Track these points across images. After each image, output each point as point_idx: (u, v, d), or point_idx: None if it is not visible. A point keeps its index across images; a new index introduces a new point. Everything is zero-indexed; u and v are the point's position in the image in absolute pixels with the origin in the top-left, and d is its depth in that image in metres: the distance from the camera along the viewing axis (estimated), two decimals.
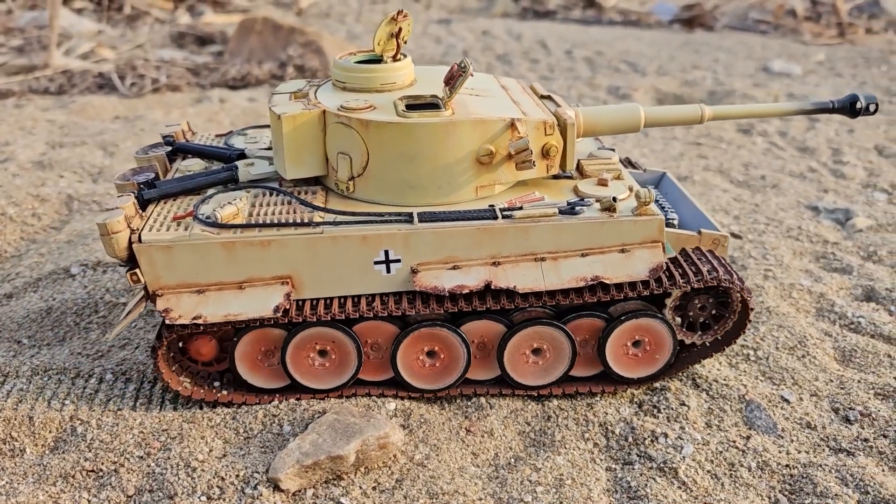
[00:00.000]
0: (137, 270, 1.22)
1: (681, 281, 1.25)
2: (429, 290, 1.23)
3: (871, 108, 1.37)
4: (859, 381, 1.40)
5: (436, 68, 1.47)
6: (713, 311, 1.33)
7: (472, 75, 1.25)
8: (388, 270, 1.24)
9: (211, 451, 1.21)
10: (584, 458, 1.23)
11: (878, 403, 1.34)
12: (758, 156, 2.66)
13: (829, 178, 2.45)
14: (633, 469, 1.20)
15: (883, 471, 1.20)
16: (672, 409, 1.32)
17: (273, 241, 1.21)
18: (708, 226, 1.36)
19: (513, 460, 1.22)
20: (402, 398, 1.32)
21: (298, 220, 1.23)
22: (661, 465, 1.20)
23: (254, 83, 3.35)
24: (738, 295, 1.30)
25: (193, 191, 1.33)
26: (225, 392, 1.33)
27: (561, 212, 1.24)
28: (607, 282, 1.23)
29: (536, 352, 1.33)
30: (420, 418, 1.29)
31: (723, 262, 1.29)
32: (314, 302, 1.26)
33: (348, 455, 1.15)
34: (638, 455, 1.23)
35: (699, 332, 1.34)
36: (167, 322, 1.21)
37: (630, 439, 1.26)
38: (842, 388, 1.39)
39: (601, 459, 1.23)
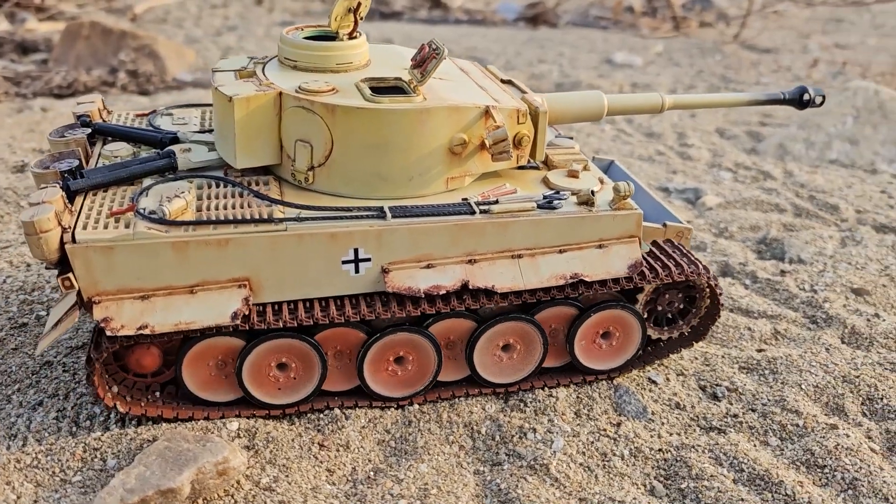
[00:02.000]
0: (70, 275, 1.06)
1: (663, 274, 1.21)
2: (402, 292, 1.14)
3: (818, 100, 1.39)
4: (723, 357, 1.43)
5: (386, 47, 1.37)
6: (680, 307, 1.31)
7: (445, 58, 1.16)
8: (357, 270, 1.14)
9: (19, 498, 1.07)
10: (450, 462, 1.17)
11: (744, 377, 1.36)
12: (607, 142, 2.71)
13: (677, 161, 2.54)
14: (503, 470, 1.16)
15: (755, 446, 1.21)
16: (539, 401, 1.28)
17: (231, 239, 1.08)
18: (667, 216, 1.34)
19: (372, 473, 1.15)
20: (247, 417, 1.21)
21: (258, 216, 1.10)
22: (532, 462, 1.16)
23: (82, 90, 3.08)
24: (708, 290, 1.28)
25: (127, 180, 1.18)
26: (169, 407, 1.19)
27: (539, 206, 1.18)
28: (587, 279, 1.18)
29: (506, 348, 1.27)
30: (266, 437, 1.18)
31: (693, 256, 1.27)
32: (275, 307, 1.15)
33: (181, 487, 1.02)
34: (507, 454, 1.19)
35: (666, 327, 1.32)
36: (108, 333, 1.06)
37: (497, 438, 1.21)
38: (707, 365, 1.40)
39: (468, 462, 1.18)
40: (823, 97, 1.39)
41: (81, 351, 1.36)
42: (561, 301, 1.24)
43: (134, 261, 1.06)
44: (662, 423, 1.25)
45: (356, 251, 1.13)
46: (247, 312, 1.10)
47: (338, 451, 1.17)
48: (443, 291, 1.15)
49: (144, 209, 1.10)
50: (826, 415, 1.28)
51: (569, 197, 1.20)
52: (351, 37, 1.25)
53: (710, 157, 2.57)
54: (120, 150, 1.25)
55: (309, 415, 1.23)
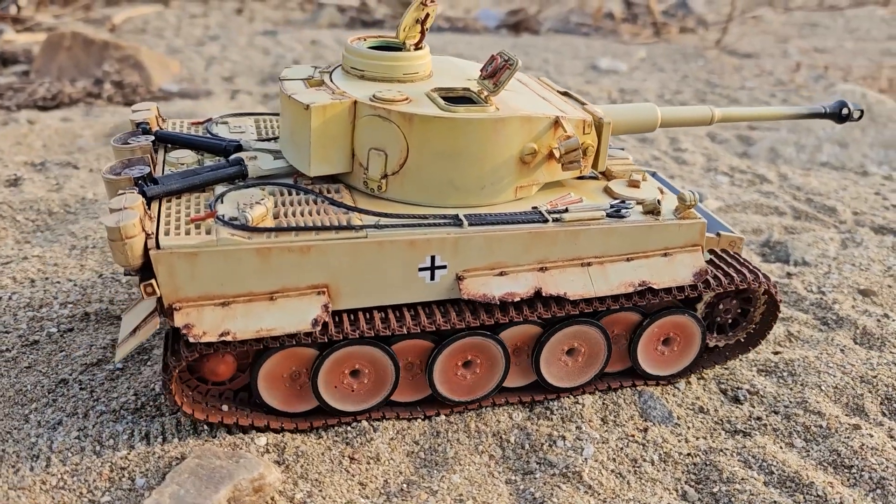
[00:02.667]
0: (153, 281, 1.06)
1: (725, 282, 1.25)
2: (477, 299, 1.16)
3: (856, 114, 1.43)
4: (741, 360, 1.45)
5: (441, 58, 1.39)
6: (737, 312, 1.35)
7: (518, 69, 1.18)
8: (433, 278, 1.16)
9: None
10: (482, 472, 1.17)
11: (763, 380, 1.39)
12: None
13: (673, 165, 2.60)
14: (535, 478, 1.15)
15: (781, 448, 1.23)
16: (565, 409, 1.29)
17: (313, 246, 1.09)
18: (718, 226, 1.38)
19: (405, 486, 1.14)
20: (275, 430, 1.20)
21: (339, 223, 1.11)
22: (564, 470, 1.16)
23: (67, 102, 3.03)
24: (765, 297, 1.32)
25: (199, 187, 1.18)
26: (244, 414, 1.19)
27: (608, 215, 1.20)
28: (654, 287, 1.21)
29: (571, 352, 1.29)
30: (296, 451, 1.17)
31: (751, 265, 1.31)
32: (351, 317, 1.16)
33: None
34: (538, 462, 1.18)
35: (724, 334, 1.36)
36: (191, 340, 1.06)
37: (527, 447, 1.21)
38: (725, 369, 1.43)
39: (500, 472, 1.17)
40: (861, 112, 1.44)
41: (97, 368, 1.34)
42: (625, 309, 1.27)
43: (217, 267, 1.07)
44: (688, 428, 1.27)
45: (433, 258, 1.14)
46: (326, 319, 1.11)
47: (368, 463, 1.17)
48: (516, 298, 1.16)
49: (223, 216, 1.10)
50: (847, 415, 1.30)
51: (634, 206, 1.23)
52: (417, 47, 1.26)
53: (705, 162, 2.62)
54: (186, 158, 1.25)
55: (336, 428, 1.22)
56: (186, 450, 1.14)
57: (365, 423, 1.23)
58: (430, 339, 1.22)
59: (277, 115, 1.47)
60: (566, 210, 1.20)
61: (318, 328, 1.10)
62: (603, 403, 1.30)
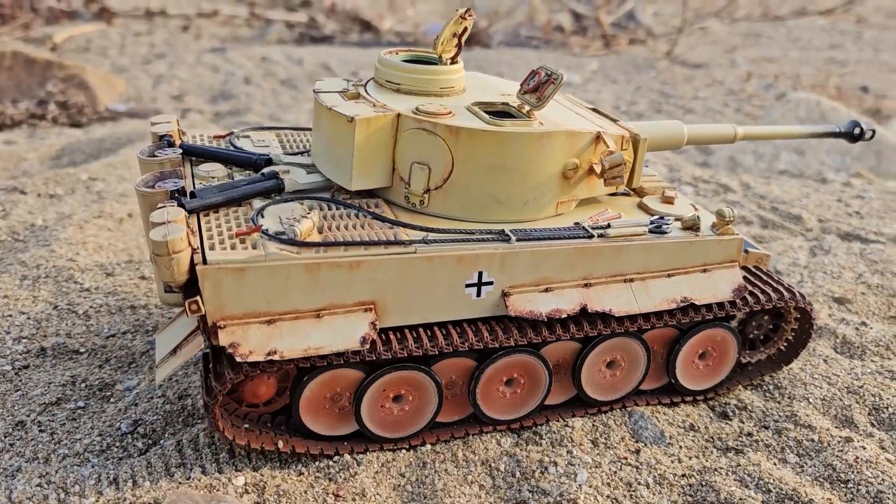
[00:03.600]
0: (199, 298, 1.01)
1: (763, 300, 1.26)
2: (524, 316, 1.14)
3: (868, 134, 1.47)
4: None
5: (471, 74, 1.37)
6: (767, 330, 1.36)
7: (562, 84, 1.17)
8: (479, 294, 1.14)
9: None
10: None
11: (750, 395, 1.38)
12: None
13: None
14: None
15: (775, 464, 1.21)
16: (554, 433, 1.25)
17: (363, 262, 1.06)
18: (746, 243, 1.39)
19: None
20: (252, 469, 1.15)
21: (387, 238, 1.09)
22: (559, 498, 1.12)
23: (9, 124, 2.88)
24: (798, 313, 1.34)
25: (237, 201, 1.14)
26: (283, 440, 1.16)
27: (649, 231, 1.20)
28: (697, 303, 1.22)
29: (611, 364, 1.29)
30: (277, 490, 1.12)
31: (784, 282, 1.32)
32: (397, 335, 1.13)
33: None
34: (530, 491, 1.14)
35: (755, 350, 1.37)
36: (237, 359, 1.02)
37: (518, 474, 1.17)
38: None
39: (491, 502, 1.13)
40: (873, 132, 1.47)
41: (57, 407, 1.27)
42: (664, 325, 1.27)
43: (264, 283, 1.03)
44: (680, 447, 1.24)
45: (480, 274, 1.12)
46: (374, 337, 1.08)
47: (354, 500, 1.11)
48: (563, 315, 1.15)
49: (268, 230, 1.06)
50: (837, 427, 1.29)
51: (673, 222, 1.23)
52: (453, 61, 1.24)
53: (668, 173, 2.65)
54: (216, 172, 1.20)
55: (318, 463, 1.17)
56: (159, 494, 1.08)
57: (348, 456, 1.17)
58: (472, 358, 1.19)
59: (297, 129, 1.43)
60: (608, 226, 1.19)
61: (367, 346, 1.07)
62: (593, 425, 1.27)
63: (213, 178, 1.20)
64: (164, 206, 1.05)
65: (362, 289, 1.08)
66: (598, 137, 1.18)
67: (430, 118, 1.12)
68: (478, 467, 1.18)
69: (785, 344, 1.38)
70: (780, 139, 1.45)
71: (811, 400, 1.35)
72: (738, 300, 1.24)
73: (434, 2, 6.01)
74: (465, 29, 1.22)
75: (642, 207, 1.28)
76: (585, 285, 1.18)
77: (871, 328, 1.60)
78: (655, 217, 1.24)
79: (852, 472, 1.18)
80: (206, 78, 3.72)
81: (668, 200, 1.29)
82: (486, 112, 1.17)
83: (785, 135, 1.45)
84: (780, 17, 5.58)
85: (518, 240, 1.13)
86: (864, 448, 1.22)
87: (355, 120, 1.10)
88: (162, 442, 1.20)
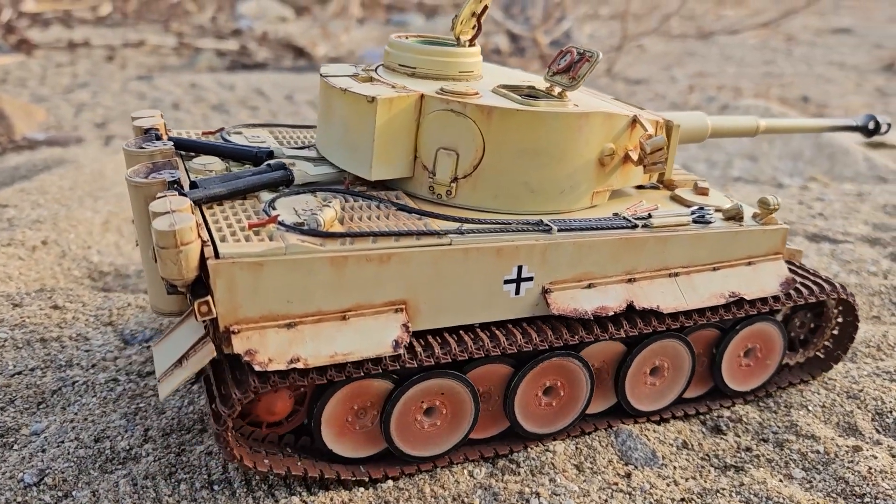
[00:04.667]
0: (209, 298, 0.87)
1: (806, 294, 1.17)
2: (568, 314, 1.03)
3: (884, 128, 1.42)
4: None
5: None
6: (809, 329, 1.27)
7: (599, 62, 1.08)
8: (518, 291, 1.02)
9: None
10: None
11: (743, 406, 1.27)
12: None
13: None
14: None
15: (781, 481, 1.10)
16: (533, 459, 1.11)
17: (394, 254, 0.94)
18: None
19: None
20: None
21: (421, 229, 0.96)
22: None
23: None
24: (837, 310, 1.26)
25: (242, 193, 1.01)
26: (305, 464, 1.00)
27: (693, 221, 1.11)
28: (746, 297, 1.12)
29: (655, 371, 1.18)
30: None
31: (823, 275, 1.24)
32: (422, 342, 1.00)
33: None
34: None
35: (797, 351, 1.28)
36: (256, 368, 0.88)
37: None
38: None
39: None
40: (889, 125, 1.42)
41: None
42: (707, 324, 1.17)
43: (284, 280, 0.89)
44: (675, 468, 1.12)
45: (520, 269, 1.01)
46: (408, 341, 0.95)
47: None
48: (610, 313, 1.04)
49: (284, 220, 0.93)
50: (842, 436, 1.19)
51: (714, 212, 1.14)
52: (471, 43, 1.14)
53: None
54: (213, 165, 1.08)
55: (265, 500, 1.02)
56: None
57: (296, 499, 1.01)
58: (508, 363, 1.07)
59: (293, 126, 1.31)
60: (650, 216, 1.09)
61: (401, 351, 0.94)
62: (576, 448, 1.14)
63: (211, 171, 1.07)
64: (166, 196, 0.91)
65: (393, 286, 0.95)
66: (634, 121, 1.09)
67: (459, 98, 1.01)
68: (448, 503, 1.03)
69: (830, 340, 1.29)
70: (801, 132, 1.39)
71: (810, 408, 1.25)
72: (787, 294, 1.15)
73: (368, 29, 5.94)
74: (485, 8, 1.12)
75: (676, 199, 1.19)
76: (629, 280, 1.08)
77: (859, 329, 1.49)
78: (695, 207, 1.14)
79: (867, 484, 1.07)
80: (131, 105, 3.53)
81: (703, 192, 1.21)
82: (514, 94, 1.07)
83: (805, 128, 1.39)
84: (713, 32, 5.71)
85: (560, 230, 1.02)
86: (876, 457, 1.11)
87: (376, 100, 0.99)
88: (74, 493, 1.02)
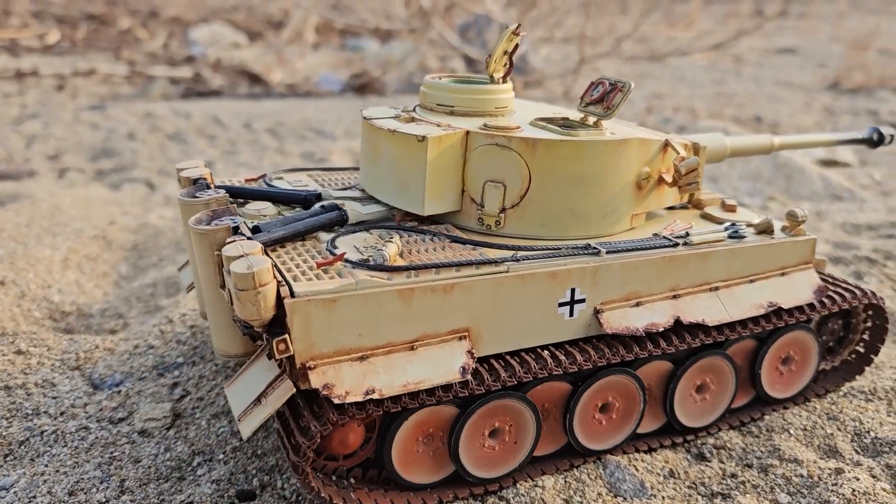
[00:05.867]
0: (287, 336, 0.90)
1: (839, 301, 1.22)
2: (621, 332, 1.07)
3: (888, 139, 1.48)
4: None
5: None
6: (841, 334, 1.32)
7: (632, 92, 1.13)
8: (572, 313, 1.06)
9: None
10: None
11: (726, 431, 1.26)
12: None
13: None
14: None
15: None
16: (523, 495, 1.09)
17: (457, 284, 0.97)
18: None
19: None
20: None
21: (479, 258, 1.00)
22: None
23: None
24: (866, 316, 1.30)
25: (301, 234, 1.04)
26: (375, 495, 1.03)
27: (728, 236, 1.16)
28: (784, 307, 1.17)
29: (700, 389, 1.22)
30: None
31: (852, 283, 1.29)
32: (486, 366, 1.03)
33: None
34: None
35: (828, 358, 1.33)
36: (335, 401, 0.91)
37: None
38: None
39: None
40: (893, 136, 1.48)
41: None
42: (745, 337, 1.21)
43: (356, 315, 0.93)
44: (663, 498, 1.10)
45: (573, 291, 1.05)
46: (474, 366, 0.99)
47: None
48: (660, 328, 1.09)
49: (349, 258, 0.97)
50: (823, 459, 1.18)
51: (745, 227, 1.19)
52: (504, 80, 1.19)
53: None
54: (266, 210, 1.11)
55: None
56: None
57: None
58: (567, 381, 1.11)
59: (329, 169, 1.35)
60: (687, 234, 1.14)
61: (468, 376, 0.98)
62: (565, 482, 1.12)
63: (265, 216, 1.10)
64: (235, 241, 0.94)
65: (456, 315, 0.99)
66: (666, 144, 1.14)
67: (504, 133, 1.06)
68: None
69: (862, 346, 1.34)
70: (812, 147, 1.45)
71: (791, 431, 1.24)
72: (821, 301, 1.20)
73: (323, 54, 5.94)
74: (517, 46, 1.17)
75: (707, 217, 1.24)
76: (674, 297, 1.12)
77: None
78: (727, 223, 1.19)
79: None
80: (85, 136, 3.43)
81: (731, 209, 1.26)
82: (553, 125, 1.12)
83: (815, 143, 1.45)
84: (666, 54, 5.82)
85: (607, 252, 1.06)
86: (858, 479, 1.11)
87: (427, 139, 1.03)
88: None
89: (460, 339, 1.00)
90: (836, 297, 1.22)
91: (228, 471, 1.13)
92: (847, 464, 1.17)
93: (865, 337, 1.34)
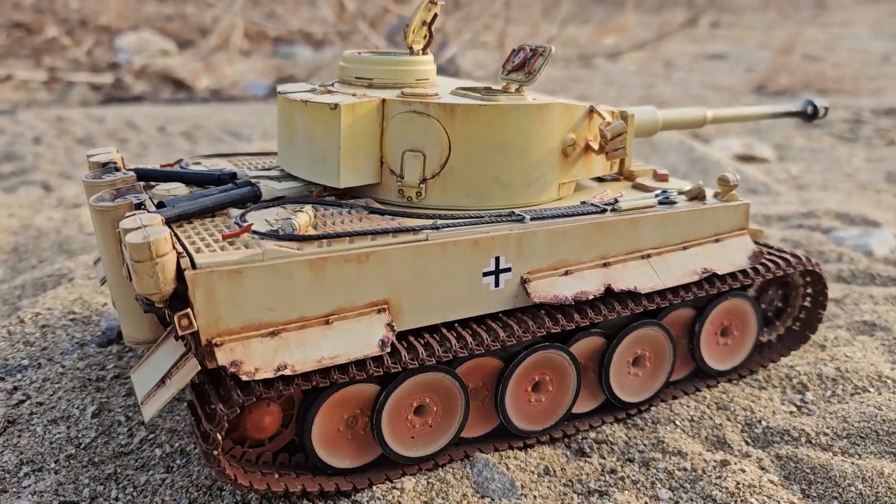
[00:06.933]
0: (189, 311, 0.85)
1: (779, 267, 1.19)
2: (549, 301, 1.03)
3: (821, 112, 1.46)
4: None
5: None
6: (779, 305, 1.29)
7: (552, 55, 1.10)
8: (497, 283, 1.02)
9: None
10: None
11: (610, 424, 1.18)
12: None
13: None
14: None
15: (647, 503, 1.02)
16: (379, 498, 1.00)
17: (372, 252, 0.93)
18: None
19: None
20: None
21: (397, 227, 0.96)
22: None
23: None
24: (803, 286, 1.28)
25: (210, 210, 0.99)
26: (303, 480, 0.98)
27: (659, 202, 1.13)
28: (718, 272, 1.13)
29: (637, 362, 1.18)
30: None
31: (789, 251, 1.27)
32: (404, 343, 0.99)
33: None
34: None
35: (770, 326, 1.30)
36: (243, 378, 0.86)
37: None
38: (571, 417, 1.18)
39: None
40: (826, 108, 1.47)
41: None
42: (678, 304, 1.18)
43: (265, 287, 0.88)
44: (535, 497, 1.03)
45: (497, 260, 1.01)
46: (393, 339, 0.94)
47: None
48: (589, 297, 1.05)
49: (258, 229, 0.92)
50: (710, 451, 1.12)
51: (677, 195, 1.16)
52: (424, 52, 1.16)
53: None
54: (177, 190, 1.06)
55: None
56: None
57: None
58: (498, 357, 1.06)
59: (251, 154, 1.30)
60: (616, 201, 1.10)
61: (388, 350, 0.93)
62: (428, 483, 1.04)
63: (175, 196, 1.05)
64: (135, 214, 0.90)
65: (373, 286, 0.94)
66: (591, 111, 1.11)
67: (421, 99, 1.02)
68: None
69: (802, 314, 1.31)
70: (746, 121, 1.43)
71: (678, 422, 1.17)
72: (757, 267, 1.17)
73: (254, 61, 5.86)
74: (435, 16, 1.14)
75: (639, 187, 1.21)
76: (604, 265, 1.09)
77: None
78: (658, 191, 1.16)
79: (735, 500, 1.00)
80: None
81: (663, 178, 1.23)
82: (473, 93, 1.09)
83: (749, 116, 1.43)
84: (593, 54, 5.85)
85: (532, 219, 1.03)
86: (744, 471, 1.05)
87: (339, 106, 0.99)
88: None
89: (379, 311, 0.95)
90: (770, 264, 1.19)
91: (57, 481, 1.03)
92: (734, 455, 1.11)
93: (807, 304, 1.31)
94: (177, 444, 1.10)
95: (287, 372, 0.88)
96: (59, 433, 1.13)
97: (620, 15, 8.55)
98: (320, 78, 4.90)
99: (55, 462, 1.08)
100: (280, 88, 1.12)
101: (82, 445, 1.10)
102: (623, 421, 1.18)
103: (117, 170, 1.07)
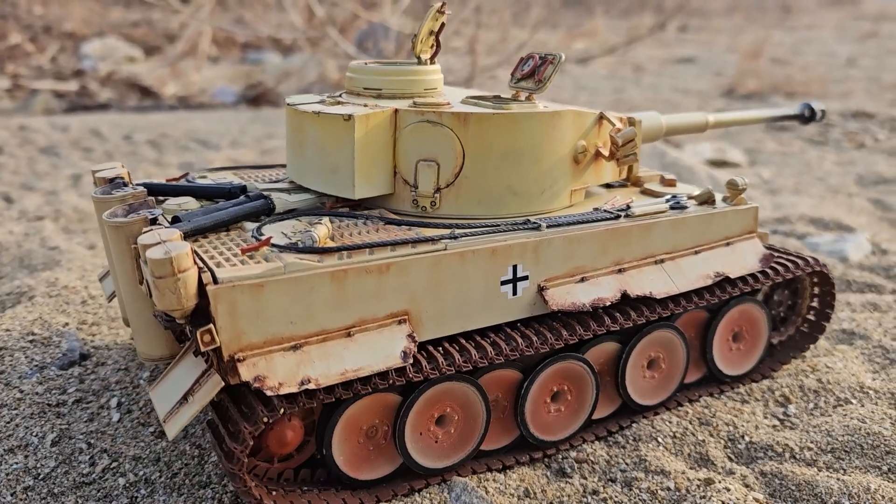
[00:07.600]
0: (212, 326, 0.84)
1: (792, 267, 1.19)
2: (567, 309, 1.03)
3: (818, 115, 1.47)
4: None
5: None
6: (789, 304, 1.30)
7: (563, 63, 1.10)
8: (515, 292, 1.02)
9: None
10: None
11: (591, 443, 1.15)
12: None
13: None
14: None
15: None
16: None
17: (393, 264, 0.92)
18: None
19: None
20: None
21: (415, 237, 0.96)
22: None
23: None
24: (812, 286, 1.29)
25: (225, 224, 0.98)
26: (325, 496, 0.97)
27: (670, 207, 1.13)
28: (731, 276, 1.14)
29: (651, 364, 1.18)
30: None
31: (797, 253, 1.28)
32: (423, 353, 0.98)
33: None
34: None
35: (781, 328, 1.31)
36: (267, 393, 0.85)
37: None
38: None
39: None
40: (824, 111, 1.48)
41: None
42: (692, 308, 1.18)
43: (286, 300, 0.87)
44: None
45: (515, 268, 1.00)
46: (415, 350, 0.94)
47: None
48: (606, 303, 1.05)
49: (277, 242, 0.91)
50: (693, 468, 1.10)
51: (687, 199, 1.17)
52: (432, 61, 1.16)
53: None
54: (188, 204, 1.05)
55: None
56: None
57: None
58: (516, 369, 1.06)
59: (255, 167, 1.29)
60: (629, 207, 1.10)
61: (410, 361, 0.92)
62: None
63: (187, 210, 1.03)
64: (152, 229, 0.88)
65: (393, 297, 0.94)
66: (601, 117, 1.11)
67: (434, 108, 1.02)
68: None
69: (812, 314, 1.32)
70: (746, 124, 1.44)
71: (660, 439, 1.15)
72: (768, 270, 1.17)
73: (223, 67, 5.80)
74: (443, 25, 1.13)
75: (647, 193, 1.21)
76: (619, 271, 1.09)
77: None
78: (668, 196, 1.16)
79: None
80: None
81: (670, 183, 1.23)
82: (485, 101, 1.08)
83: (749, 120, 1.44)
84: (565, 60, 5.88)
85: (548, 227, 1.02)
86: (728, 489, 1.02)
87: (353, 117, 0.99)
88: None
89: (400, 322, 0.95)
90: (780, 267, 1.20)
91: None
92: (718, 473, 1.09)
93: (815, 304, 1.32)
94: (141, 473, 1.06)
95: (311, 386, 0.87)
96: (17, 463, 1.07)
97: (590, 20, 8.60)
98: (289, 84, 4.88)
99: (12, 495, 1.02)
100: (289, 100, 1.12)
101: (41, 476, 1.05)
102: (604, 439, 1.15)
103: (125, 185, 1.06)
